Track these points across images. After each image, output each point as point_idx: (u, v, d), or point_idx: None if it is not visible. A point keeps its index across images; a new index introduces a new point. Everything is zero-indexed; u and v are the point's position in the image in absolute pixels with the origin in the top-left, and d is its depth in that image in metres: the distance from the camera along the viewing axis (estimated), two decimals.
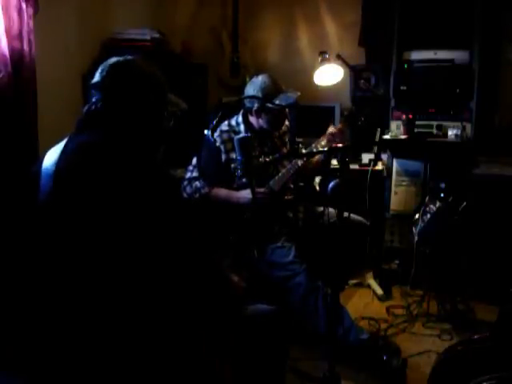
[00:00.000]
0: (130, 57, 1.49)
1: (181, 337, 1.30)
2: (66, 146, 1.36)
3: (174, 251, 1.31)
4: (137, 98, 1.45)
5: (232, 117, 2.68)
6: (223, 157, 2.57)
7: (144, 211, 1.26)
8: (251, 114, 2.61)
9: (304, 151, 2.68)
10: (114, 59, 1.48)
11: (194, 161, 2.60)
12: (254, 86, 2.55)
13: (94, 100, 1.44)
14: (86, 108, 1.45)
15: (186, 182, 2.59)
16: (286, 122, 2.80)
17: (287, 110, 2.67)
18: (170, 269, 1.29)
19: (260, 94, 2.50)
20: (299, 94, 2.56)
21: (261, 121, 2.60)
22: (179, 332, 1.30)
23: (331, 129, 2.66)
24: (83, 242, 1.24)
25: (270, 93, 2.50)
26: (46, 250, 1.28)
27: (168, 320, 1.28)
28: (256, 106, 2.54)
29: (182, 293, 1.33)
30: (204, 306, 1.36)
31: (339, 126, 2.70)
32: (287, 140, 2.80)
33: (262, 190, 2.51)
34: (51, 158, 1.35)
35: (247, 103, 2.59)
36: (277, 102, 2.46)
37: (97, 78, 1.46)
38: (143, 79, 1.47)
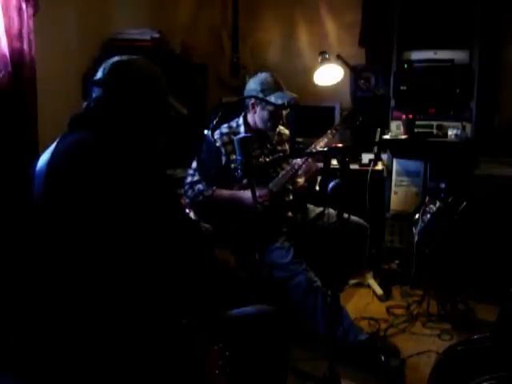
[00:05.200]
0: (134, 56, 1.49)
1: (175, 336, 1.31)
2: (56, 146, 1.36)
3: (167, 249, 1.31)
4: (135, 97, 1.45)
5: (233, 119, 2.69)
6: (223, 159, 2.57)
7: (135, 209, 1.25)
8: (249, 111, 2.63)
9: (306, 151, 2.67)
10: (116, 58, 1.48)
11: (194, 164, 2.60)
12: (255, 80, 2.61)
13: (93, 97, 1.44)
14: (85, 104, 1.45)
15: (187, 187, 2.58)
16: (287, 131, 2.80)
17: (284, 112, 2.67)
18: (162, 267, 1.29)
19: (259, 88, 2.54)
20: (295, 96, 2.57)
21: (256, 118, 2.62)
22: (173, 331, 1.31)
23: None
24: (75, 242, 1.24)
25: (267, 88, 2.54)
26: (41, 251, 1.27)
27: (162, 318, 1.29)
28: (253, 99, 2.59)
29: (177, 291, 1.33)
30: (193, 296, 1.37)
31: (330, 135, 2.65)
32: (287, 148, 2.79)
33: (263, 192, 2.50)
34: (44, 158, 1.35)
35: (247, 100, 2.62)
36: (272, 98, 2.48)
37: (99, 75, 1.46)
38: (143, 80, 1.47)
